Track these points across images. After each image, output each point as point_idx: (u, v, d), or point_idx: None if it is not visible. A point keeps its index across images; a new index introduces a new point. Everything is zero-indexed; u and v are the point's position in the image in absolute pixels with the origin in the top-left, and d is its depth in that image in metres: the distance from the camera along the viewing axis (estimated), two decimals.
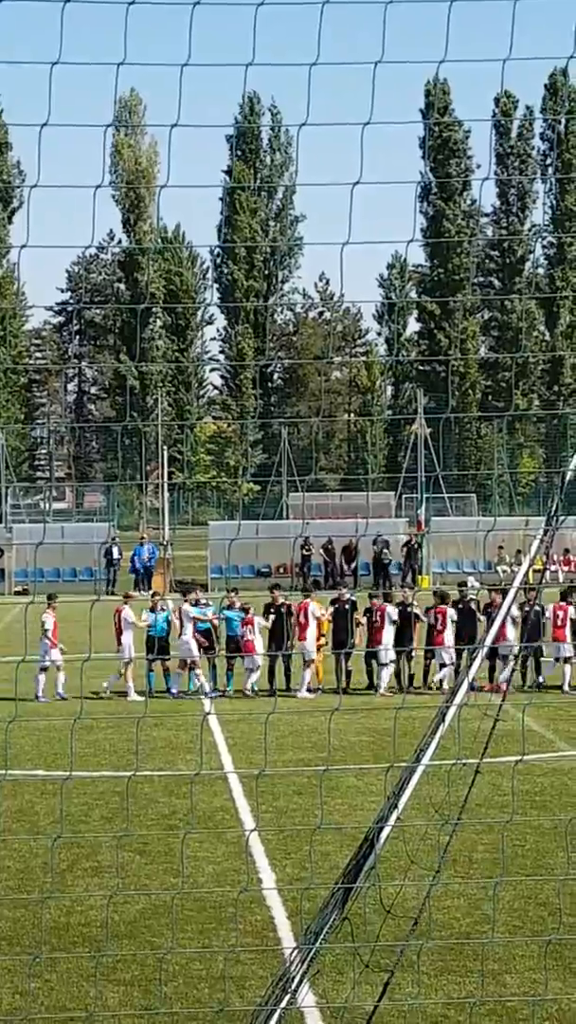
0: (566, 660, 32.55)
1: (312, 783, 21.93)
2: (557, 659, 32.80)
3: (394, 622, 33.00)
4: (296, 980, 4.78)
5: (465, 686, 4.96)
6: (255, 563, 67.54)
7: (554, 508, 4.59)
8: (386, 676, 32.77)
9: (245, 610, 33.09)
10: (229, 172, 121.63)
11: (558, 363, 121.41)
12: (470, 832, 17.95)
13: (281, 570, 66.71)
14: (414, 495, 76.94)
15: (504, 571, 66.17)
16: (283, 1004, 4.52)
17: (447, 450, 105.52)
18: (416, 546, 66.96)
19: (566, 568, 66.53)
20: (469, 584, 36.07)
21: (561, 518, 4.75)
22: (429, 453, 76.58)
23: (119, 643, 32.83)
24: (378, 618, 33.09)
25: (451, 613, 32.96)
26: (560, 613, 32.92)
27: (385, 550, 65.33)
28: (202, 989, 13.23)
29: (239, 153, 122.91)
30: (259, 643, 32.72)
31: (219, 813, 20.39)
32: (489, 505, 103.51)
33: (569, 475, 4.61)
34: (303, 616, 32.81)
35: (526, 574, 4.48)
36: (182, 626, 32.55)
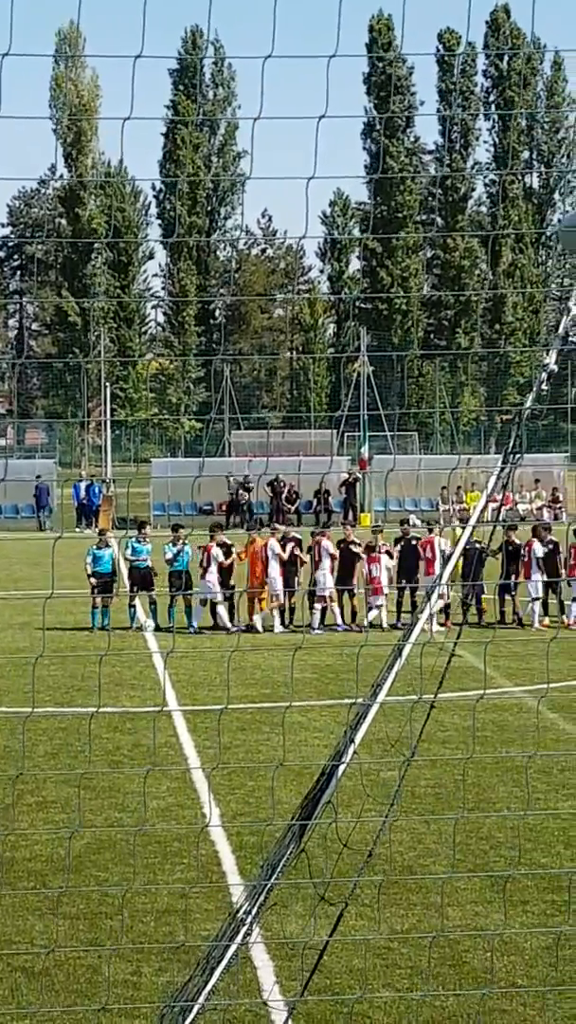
0: (535, 599, 32.86)
1: (255, 719, 22.05)
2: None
3: (332, 556, 33.14)
4: (252, 914, 4.83)
5: (422, 622, 5.01)
6: (198, 501, 67.50)
7: (511, 445, 4.63)
8: (318, 613, 32.85)
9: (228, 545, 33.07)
10: (173, 107, 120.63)
11: (500, 302, 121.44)
12: (412, 767, 18.07)
13: (223, 508, 66.72)
14: (356, 433, 77.02)
15: (446, 510, 66.37)
16: (239, 939, 4.58)
17: (389, 388, 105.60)
18: (354, 482, 67.25)
19: (507, 506, 66.80)
20: (411, 522, 36.36)
21: (518, 456, 4.80)
22: (371, 391, 76.62)
23: (204, 579, 32.62)
24: (317, 553, 33.17)
25: (385, 560, 33.15)
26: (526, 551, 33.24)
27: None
28: (148, 923, 13.33)
29: (182, 87, 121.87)
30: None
31: (163, 749, 20.48)
32: (431, 443, 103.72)
33: (526, 413, 4.66)
34: (318, 553, 32.97)
35: (483, 511, 4.53)
36: (209, 565, 32.53)
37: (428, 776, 18.27)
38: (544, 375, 4.64)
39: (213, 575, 32.36)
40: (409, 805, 16.92)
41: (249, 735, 21.16)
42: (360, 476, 68.22)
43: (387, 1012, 11.26)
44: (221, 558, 32.70)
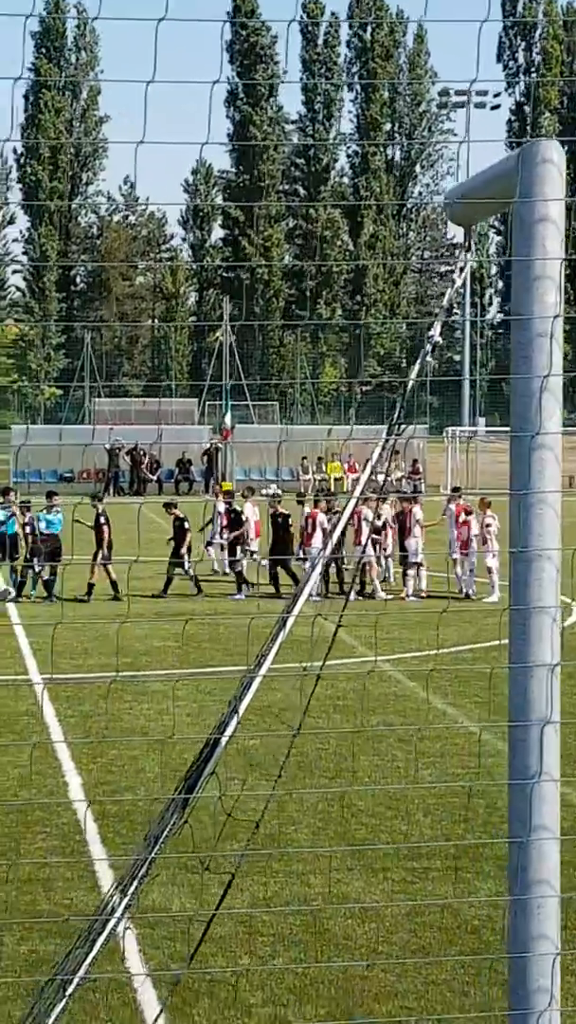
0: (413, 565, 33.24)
1: (117, 687, 22.00)
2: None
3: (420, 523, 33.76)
4: (134, 887, 4.83)
5: (306, 593, 5.02)
6: (58, 468, 67.09)
7: (396, 416, 4.66)
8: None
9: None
10: (34, 70, 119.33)
11: (361, 273, 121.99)
12: (246, 735, 18.14)
13: (84, 475, 66.40)
14: (218, 402, 77.00)
15: (306, 480, 66.64)
16: (119, 911, 4.57)
17: (251, 358, 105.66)
18: (215, 451, 67.31)
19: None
20: (272, 491, 36.80)
21: (403, 427, 4.83)
22: (233, 360, 76.60)
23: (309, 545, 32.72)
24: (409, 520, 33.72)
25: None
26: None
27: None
28: (9, 891, 13.25)
29: (44, 51, 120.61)
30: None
31: (24, 718, 20.35)
32: (291, 413, 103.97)
33: (411, 384, 4.69)
34: (311, 525, 33.10)
35: (367, 481, 4.55)
36: (313, 531, 32.92)
37: (292, 745, 18.34)
38: (429, 347, 4.67)
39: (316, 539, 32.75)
40: (272, 773, 16.99)
41: (111, 703, 21.11)
42: (221, 446, 68.27)
43: (250, 980, 11.31)
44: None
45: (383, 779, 16.84)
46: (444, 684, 22.58)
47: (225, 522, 35.27)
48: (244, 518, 34.98)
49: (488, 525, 32.85)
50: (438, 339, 4.72)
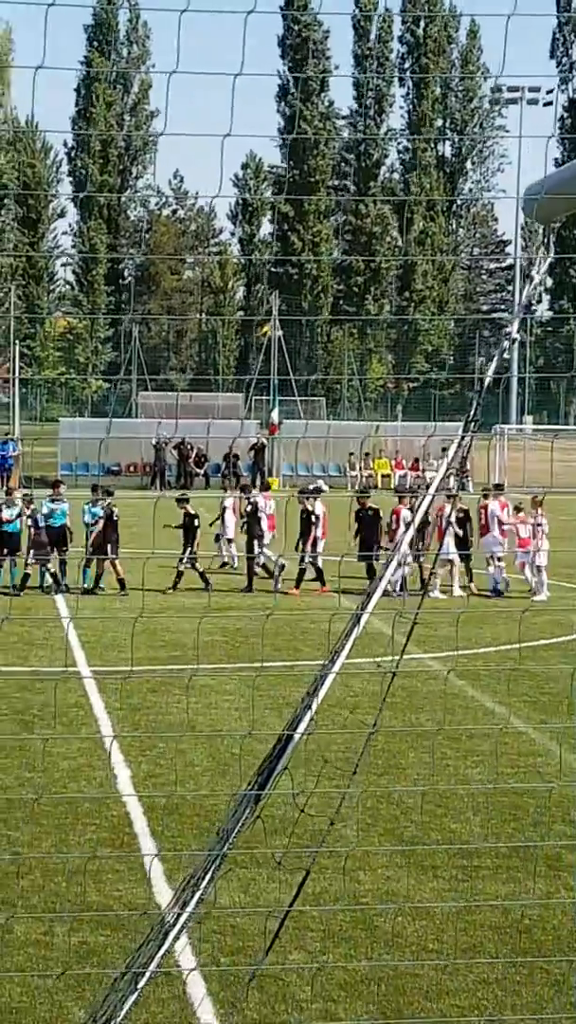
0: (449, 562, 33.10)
1: (165, 681, 22.03)
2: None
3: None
4: (205, 882, 4.83)
5: (380, 591, 5.01)
6: (105, 461, 67.25)
7: (472, 413, 4.62)
8: None
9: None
10: (86, 63, 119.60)
11: (410, 269, 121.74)
12: (322, 732, 18.14)
13: (131, 469, 66.56)
14: (264, 397, 76.98)
15: (353, 476, 66.60)
16: (191, 907, 4.57)
17: (298, 353, 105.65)
18: (262, 447, 67.36)
19: (414, 473, 67.14)
20: (318, 487, 36.75)
21: (478, 423, 4.80)
22: (280, 355, 76.58)
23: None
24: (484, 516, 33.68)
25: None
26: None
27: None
28: (59, 883, 13.29)
29: (96, 44, 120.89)
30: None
31: (73, 710, 20.40)
32: (338, 409, 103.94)
33: (488, 382, 4.65)
34: (396, 521, 33.17)
35: (442, 479, 4.53)
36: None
37: (339, 741, 18.33)
38: (506, 343, 4.64)
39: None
40: (320, 770, 16.96)
41: (159, 696, 21.14)
42: (266, 442, 68.28)
43: (300, 975, 11.31)
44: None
45: (432, 776, 16.82)
46: (492, 683, 22.52)
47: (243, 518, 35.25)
48: (258, 512, 34.61)
49: (540, 524, 32.66)
50: (516, 335, 4.70)
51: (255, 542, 33.94)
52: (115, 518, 32.65)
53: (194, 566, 32.73)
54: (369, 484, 63.98)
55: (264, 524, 34.64)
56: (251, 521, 34.27)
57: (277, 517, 35.39)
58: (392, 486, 63.55)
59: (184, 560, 32.40)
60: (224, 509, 35.89)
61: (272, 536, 34.93)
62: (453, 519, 33.06)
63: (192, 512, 33.37)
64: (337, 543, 34.25)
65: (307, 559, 33.12)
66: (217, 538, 36.18)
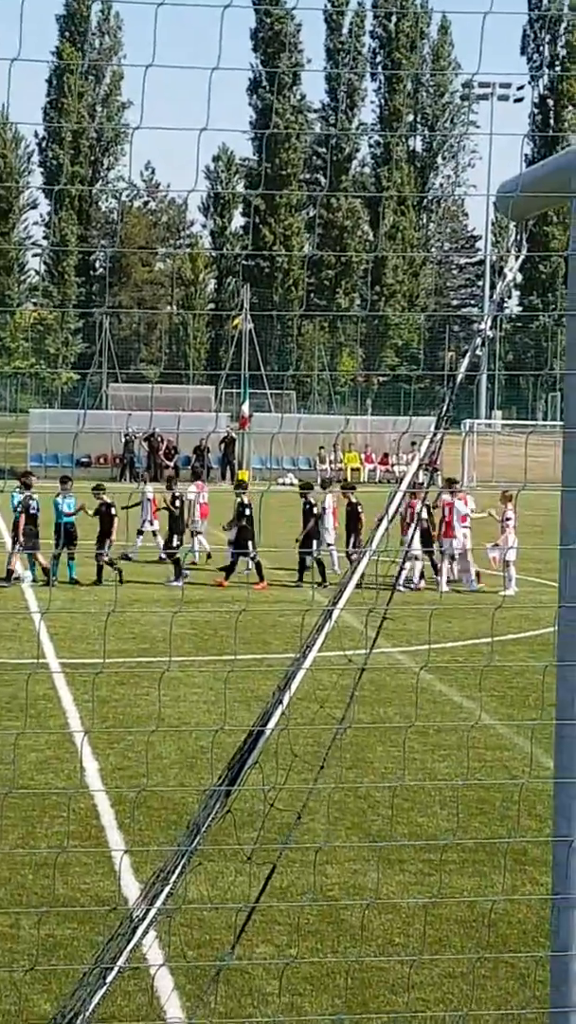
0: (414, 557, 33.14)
1: (134, 674, 22.00)
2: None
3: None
4: (175, 877, 4.83)
5: (352, 585, 5.01)
6: (76, 453, 67.12)
7: (444, 409, 4.63)
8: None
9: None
10: (58, 54, 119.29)
11: (381, 263, 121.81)
12: (294, 727, 18.13)
13: (101, 460, 66.44)
14: (235, 390, 76.93)
15: (323, 469, 66.61)
16: (159, 902, 4.57)
17: (268, 347, 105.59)
18: (232, 440, 67.29)
19: (383, 468, 67.21)
20: (288, 480, 36.75)
21: (450, 419, 4.82)
22: (251, 348, 76.51)
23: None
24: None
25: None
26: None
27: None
28: (26, 875, 13.26)
29: (67, 35, 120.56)
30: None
31: (41, 702, 20.36)
32: (308, 403, 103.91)
33: (460, 379, 4.66)
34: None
35: (415, 474, 4.54)
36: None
37: (307, 735, 18.33)
38: (478, 340, 4.65)
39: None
40: (289, 763, 16.97)
41: (127, 689, 21.12)
42: (235, 436, 68.24)
43: (266, 968, 11.32)
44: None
45: (399, 771, 16.85)
46: (461, 677, 22.57)
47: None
48: (188, 501, 35.12)
49: (508, 519, 32.72)
50: (489, 333, 4.71)
51: (174, 537, 34.02)
52: (32, 511, 32.57)
53: (108, 559, 32.81)
54: (339, 478, 63.99)
55: (197, 513, 35.57)
56: (173, 513, 34.20)
57: (254, 510, 35.40)
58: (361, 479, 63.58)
59: (103, 552, 32.64)
60: (144, 498, 36.48)
61: (204, 524, 36.53)
62: (424, 515, 33.11)
63: (108, 501, 33.40)
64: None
65: (314, 554, 33.26)
66: (139, 532, 36.54)
